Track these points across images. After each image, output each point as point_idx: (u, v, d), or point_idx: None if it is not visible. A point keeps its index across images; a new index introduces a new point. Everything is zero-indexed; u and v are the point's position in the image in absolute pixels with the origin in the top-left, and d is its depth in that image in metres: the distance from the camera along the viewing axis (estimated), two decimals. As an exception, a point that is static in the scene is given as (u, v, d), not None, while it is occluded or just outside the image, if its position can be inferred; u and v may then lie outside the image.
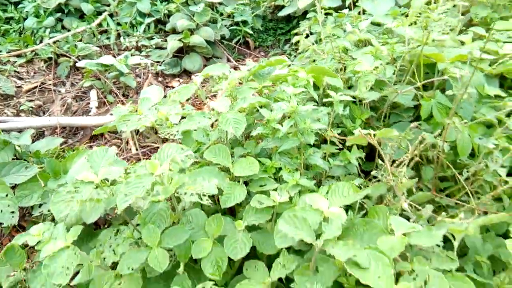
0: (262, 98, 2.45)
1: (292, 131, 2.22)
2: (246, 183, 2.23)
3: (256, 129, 2.27)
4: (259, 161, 2.25)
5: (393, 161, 2.24)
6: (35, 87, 4.69)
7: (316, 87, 2.71)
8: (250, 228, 2.05)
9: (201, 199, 1.83)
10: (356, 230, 1.81)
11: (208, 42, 5.10)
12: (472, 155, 2.41)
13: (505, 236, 2.11)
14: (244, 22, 5.65)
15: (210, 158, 2.23)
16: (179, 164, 1.90)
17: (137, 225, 2.15)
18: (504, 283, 1.84)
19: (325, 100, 2.34)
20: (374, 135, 2.03)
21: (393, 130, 2.05)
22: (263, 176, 2.22)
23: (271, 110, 2.28)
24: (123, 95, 4.66)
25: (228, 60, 5.42)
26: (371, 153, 2.69)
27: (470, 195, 2.25)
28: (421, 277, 1.59)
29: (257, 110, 2.61)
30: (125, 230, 2.11)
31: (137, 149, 3.95)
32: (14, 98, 4.47)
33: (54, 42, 5.03)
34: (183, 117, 2.44)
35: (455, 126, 2.26)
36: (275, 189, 2.10)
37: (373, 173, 2.26)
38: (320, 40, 3.40)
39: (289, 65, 2.86)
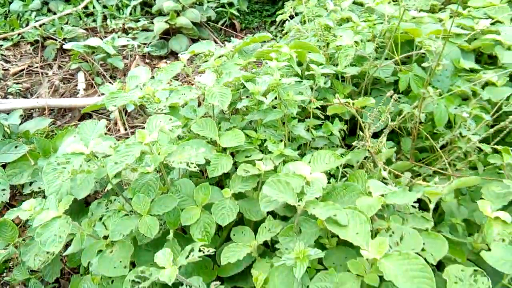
0: (247, 72, 2.53)
1: (276, 103, 2.30)
2: (232, 155, 2.31)
3: (242, 102, 2.35)
4: (245, 134, 2.33)
5: (374, 134, 2.34)
6: (22, 70, 4.72)
7: (299, 64, 2.79)
8: (237, 197, 2.13)
9: (189, 166, 1.91)
10: (336, 193, 1.91)
11: (194, 24, 5.15)
12: (450, 127, 2.52)
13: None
14: (230, 4, 5.69)
15: (197, 131, 2.30)
16: (167, 134, 1.97)
17: (130, 199, 2.22)
18: (478, 243, 1.94)
19: (307, 73, 2.43)
20: (353, 104, 2.12)
21: (371, 99, 2.14)
22: (249, 147, 2.30)
23: (256, 84, 2.36)
24: (111, 76, 4.71)
25: (215, 42, 5.47)
26: (354, 128, 2.79)
27: (447, 164, 2.35)
28: (397, 234, 1.69)
29: (243, 86, 2.69)
30: (116, 200, 2.18)
31: (126, 129, 4.01)
32: (1, 81, 4.50)
33: (41, 25, 5.04)
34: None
35: (432, 97, 2.36)
36: (261, 159, 2.19)
37: (355, 143, 2.36)
38: (305, 21, 3.47)
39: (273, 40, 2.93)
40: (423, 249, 1.67)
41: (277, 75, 2.22)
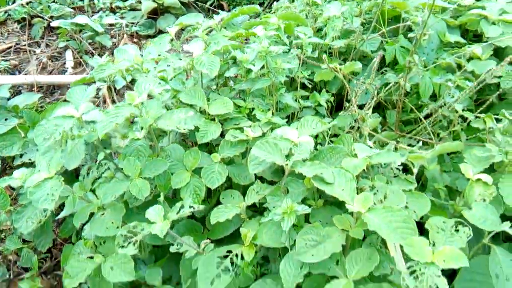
0: (235, 41, 2.56)
1: (264, 72, 2.34)
2: (221, 124, 2.35)
3: (230, 70, 2.39)
4: (234, 103, 2.36)
5: (360, 107, 2.39)
6: (10, 48, 4.69)
7: (288, 37, 2.83)
8: (226, 162, 2.18)
9: (178, 129, 1.95)
10: (323, 156, 1.96)
11: (182, 3, 5.15)
12: (435, 100, 2.58)
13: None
14: (219, -15, 5.70)
15: (186, 100, 2.33)
16: (156, 98, 2.01)
17: (121, 169, 2.25)
18: (459, 206, 2.01)
19: (295, 41, 2.47)
20: (340, 69, 2.16)
21: (358, 63, 2.19)
22: (237, 115, 2.34)
23: (244, 53, 2.40)
24: (99, 55, 4.69)
25: (203, 22, 5.46)
26: (340, 104, 2.83)
27: (431, 133, 2.41)
28: (381, 192, 1.75)
29: (232, 59, 2.73)
30: (107, 163, 2.22)
31: (114, 107, 4.01)
32: (-11, 58, 4.48)
33: (27, 3, 5.00)
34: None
35: (417, 67, 2.41)
36: (249, 126, 2.23)
37: (341, 113, 2.41)
38: (293, 0, 3.51)
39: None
40: (406, 207, 1.74)
41: (265, 43, 2.25)
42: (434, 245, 1.48)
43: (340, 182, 1.68)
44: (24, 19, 4.98)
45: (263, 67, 2.32)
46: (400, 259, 1.57)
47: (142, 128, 2.16)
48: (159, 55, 2.62)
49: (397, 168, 1.94)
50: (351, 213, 1.67)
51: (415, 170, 1.98)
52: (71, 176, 2.65)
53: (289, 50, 2.53)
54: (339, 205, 1.89)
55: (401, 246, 1.52)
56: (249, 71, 2.39)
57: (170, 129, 1.95)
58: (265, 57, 2.27)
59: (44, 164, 2.05)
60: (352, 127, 2.36)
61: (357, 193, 1.65)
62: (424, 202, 1.78)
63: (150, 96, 2.12)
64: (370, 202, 1.56)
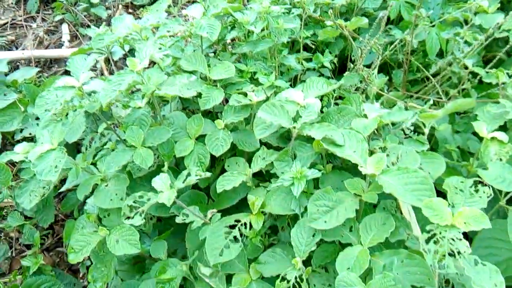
0: (234, 4, 2.41)
1: (265, 34, 2.20)
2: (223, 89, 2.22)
3: (230, 33, 2.24)
4: (236, 68, 2.23)
5: (365, 67, 2.26)
6: (6, 23, 4.52)
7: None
8: (230, 128, 2.05)
9: (182, 94, 1.83)
10: (331, 117, 1.84)
11: (178, -29, 4.95)
12: (441, 58, 2.44)
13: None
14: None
15: (186, 66, 2.19)
16: (158, 63, 1.87)
17: (123, 140, 2.13)
18: (473, 166, 1.90)
19: (295, 0, 2.32)
20: (346, 26, 2.02)
21: (364, 19, 2.04)
22: (239, 80, 2.21)
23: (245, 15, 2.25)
24: (95, 26, 4.52)
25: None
26: (343, 67, 2.69)
27: (440, 92, 2.28)
28: (394, 153, 1.63)
29: (232, 24, 2.58)
30: (109, 133, 2.10)
31: (113, 78, 3.88)
32: (-15, 35, 4.32)
33: (21, -23, 4.81)
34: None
35: (424, 22, 2.27)
36: (252, 91, 2.10)
37: (346, 73, 2.28)
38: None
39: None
40: (420, 168, 1.62)
41: (266, 3, 2.10)
42: (453, 206, 1.37)
43: (351, 144, 1.56)
44: (18, -7, 4.80)
45: (263, 28, 2.17)
46: (415, 224, 1.47)
47: (143, 97, 2.05)
48: (158, 22, 2.48)
49: (408, 128, 1.82)
50: (363, 177, 1.56)
51: (426, 131, 1.86)
52: (72, 150, 2.55)
53: (290, 10, 2.37)
54: (349, 170, 1.79)
55: (417, 209, 1.41)
56: (249, 34, 2.25)
57: (173, 94, 1.82)
58: (266, 18, 2.12)
59: (47, 136, 1.94)
60: (357, 88, 2.24)
61: (369, 155, 1.53)
62: (439, 163, 1.66)
63: (150, 64, 1.99)
64: (383, 163, 1.45)
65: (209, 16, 2.18)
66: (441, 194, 1.42)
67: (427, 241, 1.27)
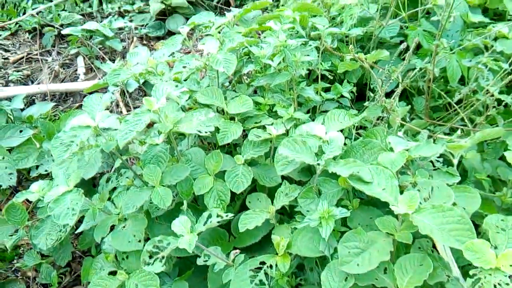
0: (250, 38, 2.35)
1: (282, 66, 2.13)
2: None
3: (248, 67, 2.18)
4: (253, 101, 2.16)
5: (385, 95, 2.17)
6: (22, 58, 4.52)
7: (302, 29, 2.62)
8: (250, 164, 1.97)
9: (200, 132, 1.75)
10: (355, 152, 1.74)
11: (189, 2, 4.94)
12: (462, 84, 2.36)
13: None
14: (224, -18, 5.46)
15: (203, 101, 2.13)
16: (174, 101, 1.81)
17: (139, 175, 2.05)
18: (507, 197, 1.80)
19: (313, 33, 2.25)
20: (366, 58, 1.95)
21: (384, 51, 1.97)
22: (257, 113, 2.14)
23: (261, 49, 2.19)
24: (110, 59, 4.51)
25: (211, 21, 5.25)
26: (361, 94, 2.61)
27: (465, 119, 2.19)
28: (425, 189, 1.53)
29: (246, 55, 2.52)
30: (126, 172, 2.03)
31: (128, 111, 3.84)
32: (2, 70, 4.31)
33: (38, 13, 4.82)
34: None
35: (445, 51, 2.19)
36: (271, 124, 2.02)
37: (367, 103, 2.20)
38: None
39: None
40: (454, 204, 1.51)
41: (283, 37, 2.04)
42: (495, 248, 1.26)
43: (380, 181, 1.47)
44: (35, 29, 4.81)
45: (280, 61, 2.11)
46: (454, 264, 1.37)
47: (160, 133, 1.98)
48: (173, 56, 2.43)
49: (437, 160, 1.72)
50: (395, 215, 1.46)
51: (455, 161, 1.76)
52: (87, 185, 2.48)
53: (307, 42, 2.31)
54: (378, 205, 1.69)
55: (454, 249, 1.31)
56: (265, 67, 2.18)
57: (192, 132, 1.74)
58: (283, 51, 2.05)
59: (62, 176, 1.87)
60: (378, 118, 2.15)
61: (399, 191, 1.44)
62: (473, 197, 1.55)
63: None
64: (416, 201, 1.35)
65: (225, 51, 2.12)
66: (475, 226, 1.33)
67: (472, 286, 1.16)
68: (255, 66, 2.17)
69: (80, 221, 2.21)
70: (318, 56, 2.26)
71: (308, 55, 2.20)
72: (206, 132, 1.77)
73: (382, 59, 2.23)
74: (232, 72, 2.06)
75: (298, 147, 1.64)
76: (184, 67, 2.13)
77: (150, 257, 1.50)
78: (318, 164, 1.60)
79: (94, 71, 4.37)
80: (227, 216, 1.57)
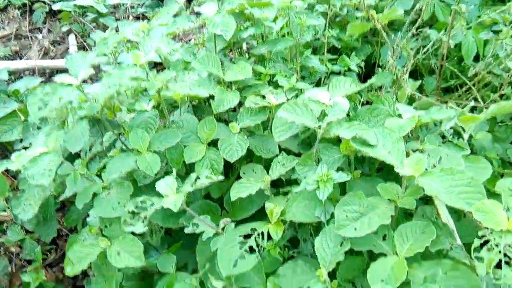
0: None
1: (285, 32, 2.11)
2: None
3: (248, 30, 2.14)
4: (253, 70, 2.12)
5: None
6: (10, 34, 4.51)
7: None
8: (246, 133, 1.94)
9: (191, 91, 1.72)
10: (361, 118, 1.71)
11: (190, -19, 4.94)
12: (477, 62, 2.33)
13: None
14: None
15: (199, 68, 2.10)
16: (165, 57, 1.77)
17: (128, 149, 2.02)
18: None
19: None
20: (378, 18, 1.91)
21: (398, 9, 1.93)
22: (257, 83, 2.10)
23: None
24: (104, 38, 4.49)
25: None
26: (369, 75, 2.58)
27: (478, 98, 2.16)
28: (434, 156, 1.50)
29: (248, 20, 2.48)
30: (112, 137, 2.00)
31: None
32: (-12, 45, 4.30)
33: (28, -12, 4.82)
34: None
35: (461, 24, 2.16)
36: (271, 93, 1.99)
37: (374, 78, 2.17)
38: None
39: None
40: (463, 172, 1.48)
41: (288, -4, 2.00)
42: (508, 210, 1.22)
43: (385, 144, 1.43)
44: (24, 4, 4.79)
45: (283, 26, 2.07)
46: (454, 231, 1.34)
47: (150, 100, 1.95)
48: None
49: (447, 131, 1.69)
50: (398, 182, 1.43)
51: (465, 136, 1.73)
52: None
53: (313, 7, 2.28)
54: (380, 176, 1.66)
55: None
56: (268, 36, 2.14)
57: (183, 93, 1.70)
58: (287, 14, 2.02)
59: (42, 138, 1.84)
60: (387, 92, 2.12)
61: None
62: (484, 168, 1.52)
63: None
64: (423, 164, 1.32)
65: (224, 13, 2.08)
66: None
67: (479, 248, 1.12)
68: (256, 30, 2.13)
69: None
70: (325, 24, 2.22)
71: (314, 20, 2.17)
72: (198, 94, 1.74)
73: (394, 26, 2.18)
74: (230, 36, 2.02)
75: (299, 110, 1.61)
76: (177, 27, 2.09)
77: (132, 218, 1.46)
78: (319, 127, 1.56)
79: (87, 49, 4.35)
80: (217, 178, 1.53)
